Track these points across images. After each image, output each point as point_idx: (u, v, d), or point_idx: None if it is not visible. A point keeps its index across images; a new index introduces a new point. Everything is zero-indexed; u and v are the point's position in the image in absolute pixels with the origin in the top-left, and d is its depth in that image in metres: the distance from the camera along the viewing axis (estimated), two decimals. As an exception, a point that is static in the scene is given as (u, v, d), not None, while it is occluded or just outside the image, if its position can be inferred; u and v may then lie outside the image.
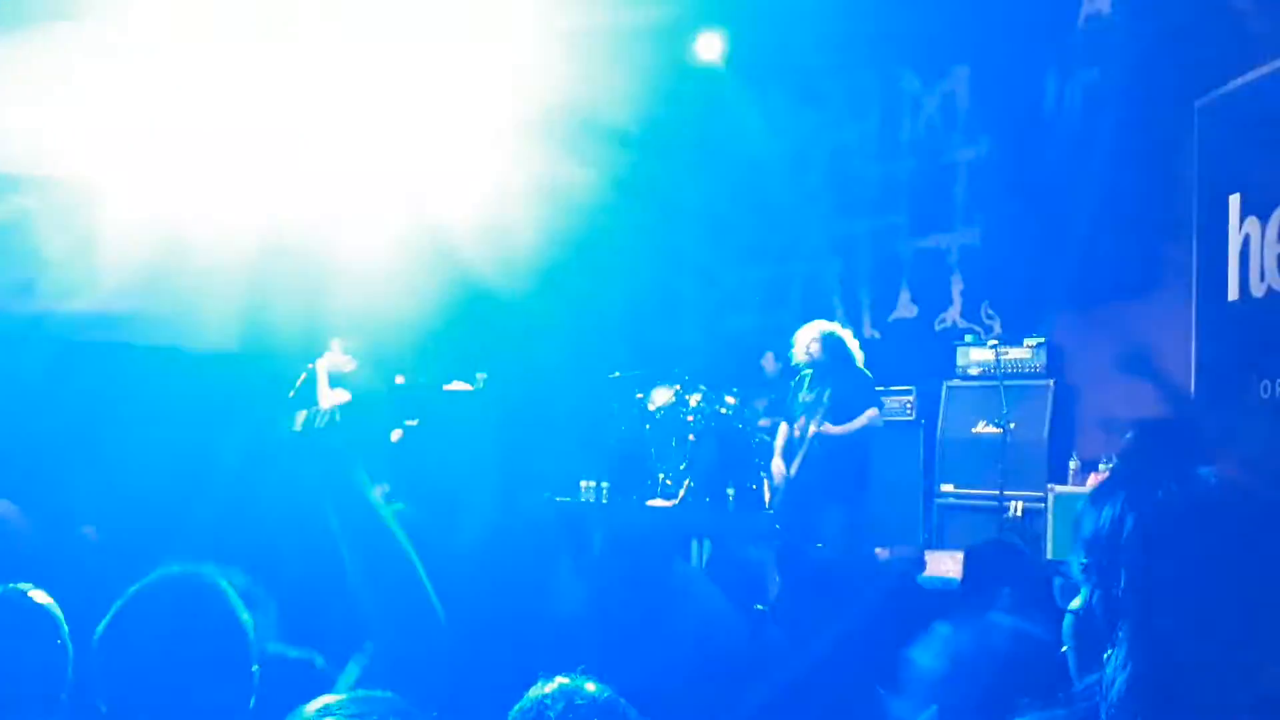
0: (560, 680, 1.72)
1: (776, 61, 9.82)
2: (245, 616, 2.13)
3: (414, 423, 9.55)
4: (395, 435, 8.21)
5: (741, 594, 3.40)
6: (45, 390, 9.05)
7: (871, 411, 6.78)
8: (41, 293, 9.16)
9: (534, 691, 1.71)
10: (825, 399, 6.68)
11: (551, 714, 1.66)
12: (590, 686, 1.71)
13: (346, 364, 7.86)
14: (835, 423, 6.59)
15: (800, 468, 6.71)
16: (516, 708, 1.70)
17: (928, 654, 2.23)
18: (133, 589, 2.17)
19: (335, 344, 7.89)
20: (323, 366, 7.85)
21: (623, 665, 2.08)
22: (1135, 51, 7.68)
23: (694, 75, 10.65)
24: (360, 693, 1.69)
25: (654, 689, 2.19)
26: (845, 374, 6.78)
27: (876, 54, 9.50)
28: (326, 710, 1.59)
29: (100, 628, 2.10)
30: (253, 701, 2.10)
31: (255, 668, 2.12)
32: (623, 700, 1.71)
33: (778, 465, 6.97)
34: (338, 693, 1.71)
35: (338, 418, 7.94)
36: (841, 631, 2.83)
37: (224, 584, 2.18)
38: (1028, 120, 8.59)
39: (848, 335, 7.75)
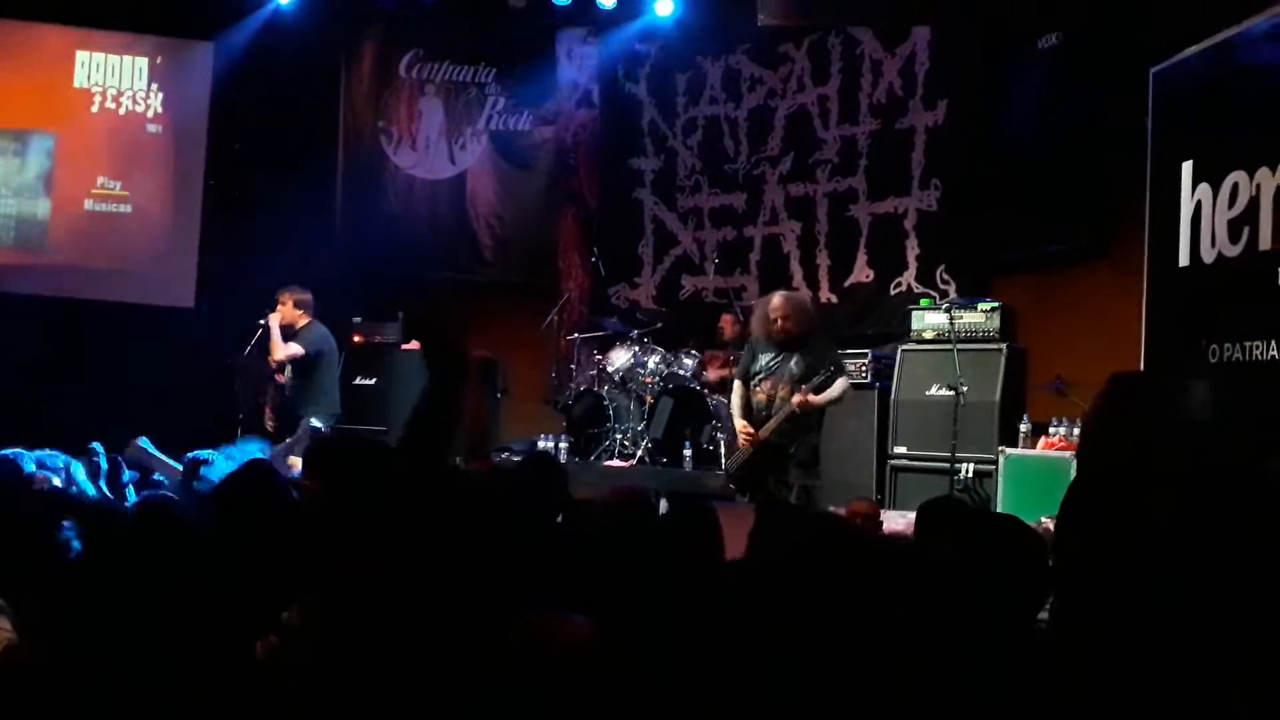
0: None
1: (735, 21, 9.80)
2: None
3: (371, 381, 9.54)
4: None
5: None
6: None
7: (846, 383, 6.67)
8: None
9: None
10: (795, 366, 6.53)
11: None
12: None
13: (299, 319, 7.81)
14: (806, 390, 6.43)
15: (773, 433, 6.52)
16: None
17: None
18: None
19: (286, 298, 7.81)
20: (275, 321, 7.79)
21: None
22: (1094, 17, 7.73)
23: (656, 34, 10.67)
24: None
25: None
26: (813, 341, 6.67)
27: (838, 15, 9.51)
28: None
29: None
30: None
31: None
32: None
33: (743, 427, 6.68)
34: None
35: (290, 372, 7.89)
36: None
37: None
38: (986, 84, 8.64)
39: (810, 301, 7.72)
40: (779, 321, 6.59)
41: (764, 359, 6.69)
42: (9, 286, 9.97)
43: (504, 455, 8.95)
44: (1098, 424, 2.07)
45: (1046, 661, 1.95)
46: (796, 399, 6.43)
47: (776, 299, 6.75)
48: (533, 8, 10.60)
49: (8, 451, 4.83)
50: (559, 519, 3.51)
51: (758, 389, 6.68)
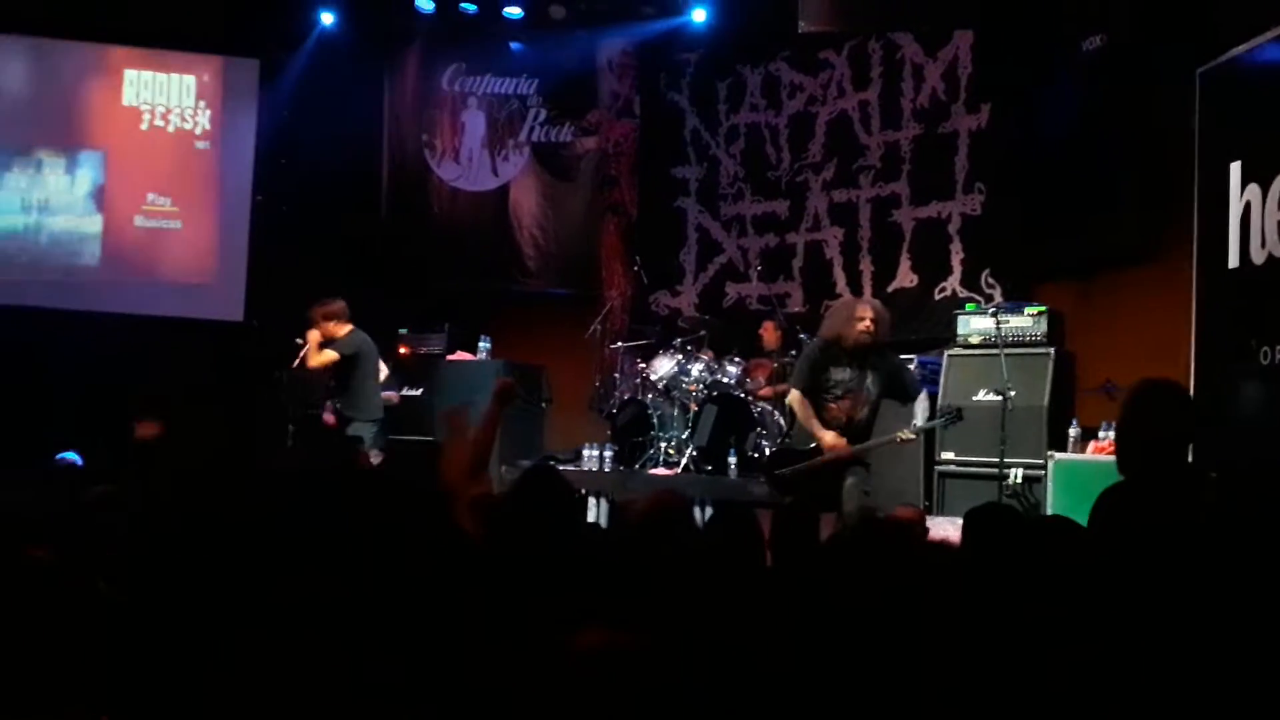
0: None
1: (774, 28, 9.79)
2: None
3: (418, 392, 9.60)
4: (394, 399, 8.17)
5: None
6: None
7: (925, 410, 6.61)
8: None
9: None
10: (872, 386, 6.37)
11: None
12: None
13: (337, 329, 7.84)
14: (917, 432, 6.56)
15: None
16: None
17: None
18: None
19: (317, 314, 7.82)
20: (313, 337, 7.82)
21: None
22: (1139, 17, 7.65)
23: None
24: None
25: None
26: (884, 356, 6.50)
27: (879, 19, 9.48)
28: None
29: None
30: None
31: None
32: None
33: (834, 440, 6.29)
34: None
35: (332, 380, 7.94)
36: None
37: None
38: (1030, 86, 8.57)
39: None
40: (869, 326, 6.28)
41: (839, 374, 6.38)
42: (61, 302, 10.14)
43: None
44: (1122, 429, 2.07)
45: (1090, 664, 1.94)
46: (908, 436, 6.49)
47: (867, 305, 6.47)
48: (573, 19, 10.66)
49: (68, 455, 4.93)
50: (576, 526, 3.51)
51: (833, 404, 6.38)
